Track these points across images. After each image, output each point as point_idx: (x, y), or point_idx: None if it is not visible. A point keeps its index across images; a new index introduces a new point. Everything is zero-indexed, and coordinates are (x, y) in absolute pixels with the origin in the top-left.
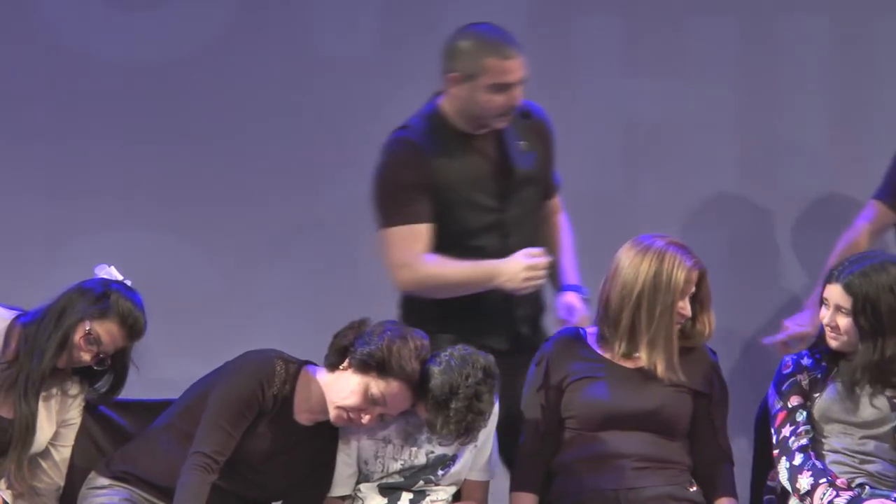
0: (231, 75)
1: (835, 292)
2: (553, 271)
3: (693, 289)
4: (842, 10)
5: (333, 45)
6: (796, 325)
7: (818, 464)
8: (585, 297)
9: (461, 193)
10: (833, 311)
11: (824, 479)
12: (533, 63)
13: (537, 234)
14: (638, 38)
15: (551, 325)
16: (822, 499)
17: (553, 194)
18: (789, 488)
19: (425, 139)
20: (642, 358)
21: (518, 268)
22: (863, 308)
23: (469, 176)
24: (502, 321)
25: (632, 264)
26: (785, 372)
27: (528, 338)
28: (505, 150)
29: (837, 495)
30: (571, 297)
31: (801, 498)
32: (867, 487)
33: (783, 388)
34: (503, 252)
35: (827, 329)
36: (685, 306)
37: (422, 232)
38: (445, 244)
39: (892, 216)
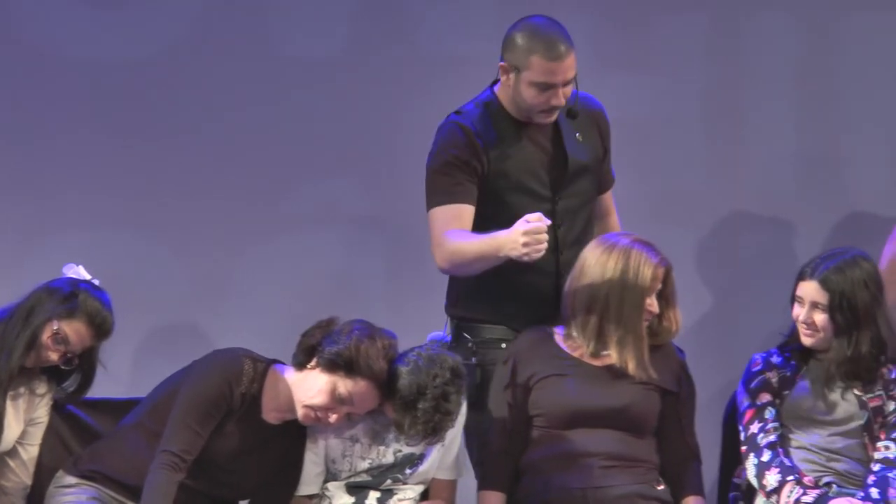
0: (198, 74)
1: (810, 289)
2: None
3: (660, 285)
4: (808, 8)
5: (299, 46)
6: None
7: (786, 461)
8: None
9: (513, 180)
10: (809, 308)
11: (792, 477)
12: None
13: (589, 226)
14: (607, 35)
15: None
16: (789, 496)
17: (607, 187)
18: (756, 485)
19: (479, 124)
20: (612, 356)
21: (517, 235)
22: (839, 304)
23: (522, 163)
24: (546, 312)
25: (598, 263)
26: (754, 370)
27: None
28: (560, 140)
29: (804, 493)
30: None
31: (768, 495)
32: (834, 486)
33: (752, 385)
34: (554, 242)
35: (801, 327)
36: (653, 303)
37: (463, 213)
38: (498, 230)
39: None
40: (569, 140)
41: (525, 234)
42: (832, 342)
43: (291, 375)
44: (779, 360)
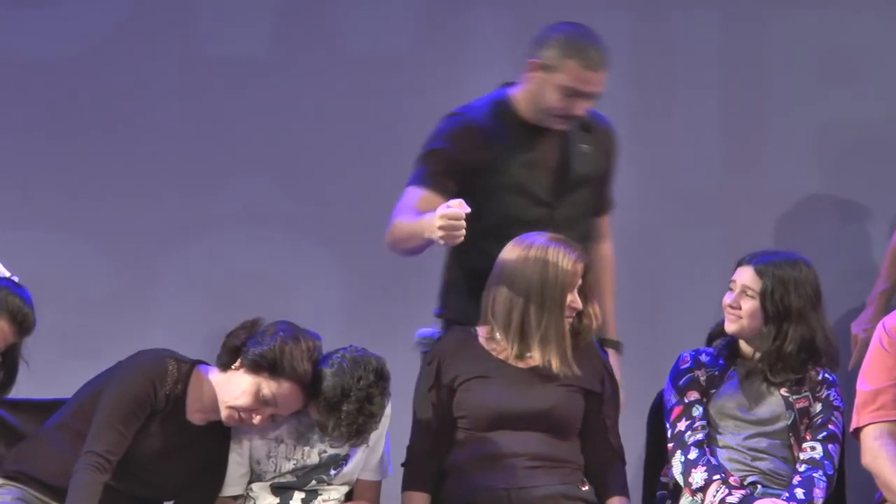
0: (122, 74)
1: (745, 274)
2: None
3: (580, 281)
4: (732, 6)
5: (223, 45)
6: (862, 332)
7: (713, 460)
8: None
9: (512, 178)
10: (739, 293)
11: (718, 476)
12: (426, 60)
13: (587, 240)
14: (527, 35)
15: None
16: (714, 495)
17: (605, 210)
18: (682, 483)
19: (484, 119)
20: (535, 357)
21: (434, 219)
22: (772, 292)
23: (523, 163)
24: None
25: (516, 263)
26: (682, 367)
27: None
28: (566, 148)
29: (730, 493)
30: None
31: (694, 493)
32: (759, 486)
33: (680, 383)
34: None
35: (727, 310)
36: (575, 299)
37: (427, 199)
38: (491, 229)
39: None
40: (575, 150)
41: (441, 219)
42: (760, 330)
43: (215, 376)
44: (707, 358)
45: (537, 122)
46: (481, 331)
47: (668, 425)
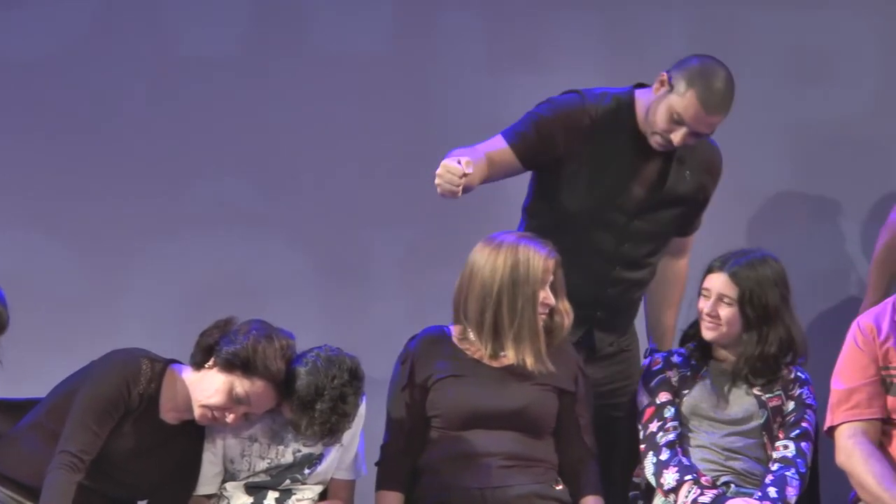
0: (94, 73)
1: (718, 281)
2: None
3: (552, 277)
4: (699, 6)
5: (195, 45)
6: None
7: (685, 460)
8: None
9: (599, 173)
10: (715, 301)
11: (689, 477)
12: (396, 60)
13: (656, 256)
14: (500, 34)
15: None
16: (686, 496)
17: (691, 232)
18: (654, 483)
19: (600, 111)
20: (509, 356)
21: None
22: (749, 297)
23: (618, 165)
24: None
25: (487, 262)
26: (654, 368)
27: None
28: (667, 166)
29: (702, 493)
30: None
31: (666, 494)
32: (732, 486)
33: (652, 384)
34: (612, 254)
35: (705, 319)
36: (547, 296)
37: (505, 156)
38: (565, 220)
39: None
40: (675, 171)
41: (442, 167)
42: (741, 337)
43: (189, 375)
44: (679, 359)
45: (644, 132)
46: (454, 330)
47: (640, 427)
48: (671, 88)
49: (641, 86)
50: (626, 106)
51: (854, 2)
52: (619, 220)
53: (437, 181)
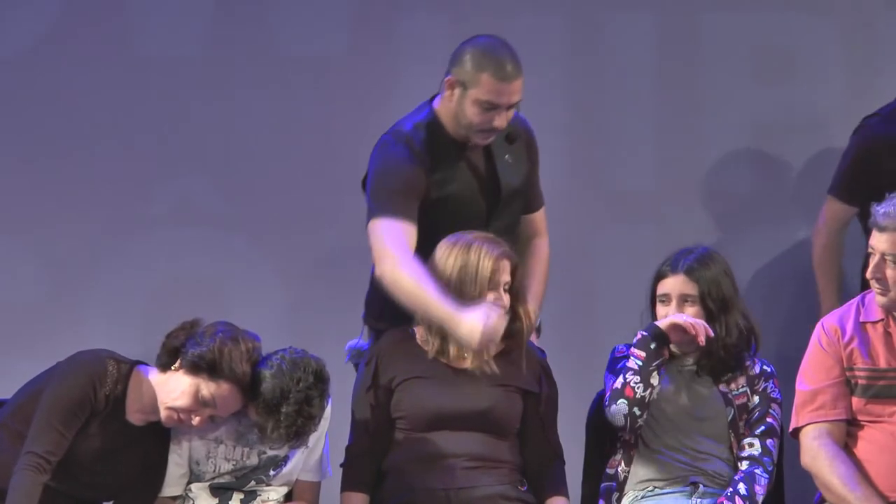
0: (57, 74)
1: (677, 283)
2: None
3: (507, 279)
4: (666, 8)
5: (158, 45)
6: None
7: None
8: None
9: (451, 206)
10: (677, 304)
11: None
12: (360, 62)
13: (517, 244)
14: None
15: None
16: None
17: (537, 207)
18: (615, 400)
19: (422, 149)
20: (450, 352)
21: (474, 334)
22: (709, 292)
23: (461, 189)
24: None
25: (440, 260)
26: (618, 356)
27: None
28: (492, 162)
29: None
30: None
31: (622, 393)
32: (700, 486)
33: (617, 366)
34: None
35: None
36: (499, 297)
37: (410, 231)
38: (429, 251)
39: (850, 210)
40: (501, 163)
41: (483, 337)
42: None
43: (155, 377)
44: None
45: (463, 139)
46: (418, 331)
47: (606, 401)
48: (464, 86)
49: (432, 99)
50: (434, 124)
51: (815, 3)
52: (478, 229)
53: (477, 348)
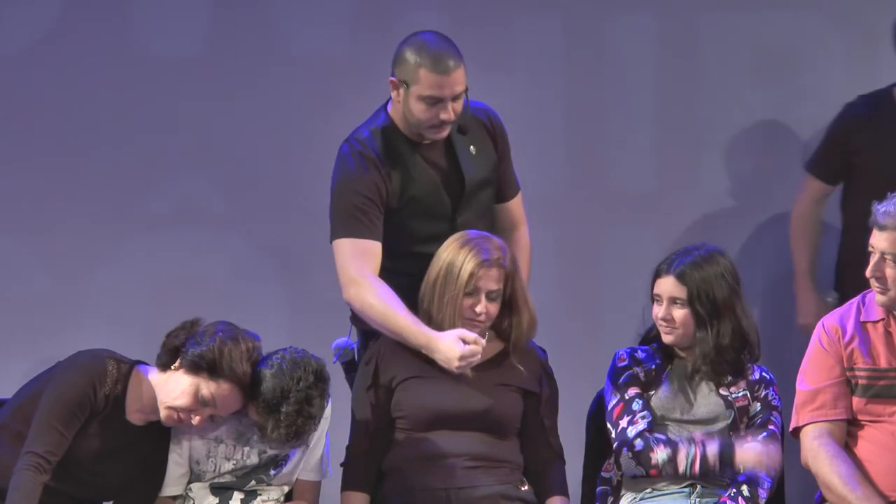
0: (56, 74)
1: (667, 285)
2: None
3: (492, 287)
4: (665, 8)
5: (161, 44)
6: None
7: (660, 436)
8: None
9: (416, 207)
10: (667, 305)
11: (679, 442)
12: (360, 62)
13: (495, 232)
14: (464, 36)
15: None
16: (688, 458)
17: (511, 195)
18: (644, 472)
19: (380, 154)
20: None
21: (453, 355)
22: (698, 295)
23: (423, 188)
24: None
25: (439, 252)
26: (620, 365)
27: None
28: (454, 156)
29: (704, 446)
30: None
31: (661, 470)
32: (699, 486)
33: (620, 380)
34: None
35: (661, 324)
36: (476, 304)
37: (373, 249)
38: (396, 252)
39: (826, 187)
40: (463, 156)
41: (461, 359)
42: (695, 337)
43: (155, 376)
44: (643, 355)
45: (418, 138)
46: None
47: (610, 426)
48: (406, 85)
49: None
50: (389, 128)
51: (814, 4)
52: (445, 226)
53: (456, 365)
